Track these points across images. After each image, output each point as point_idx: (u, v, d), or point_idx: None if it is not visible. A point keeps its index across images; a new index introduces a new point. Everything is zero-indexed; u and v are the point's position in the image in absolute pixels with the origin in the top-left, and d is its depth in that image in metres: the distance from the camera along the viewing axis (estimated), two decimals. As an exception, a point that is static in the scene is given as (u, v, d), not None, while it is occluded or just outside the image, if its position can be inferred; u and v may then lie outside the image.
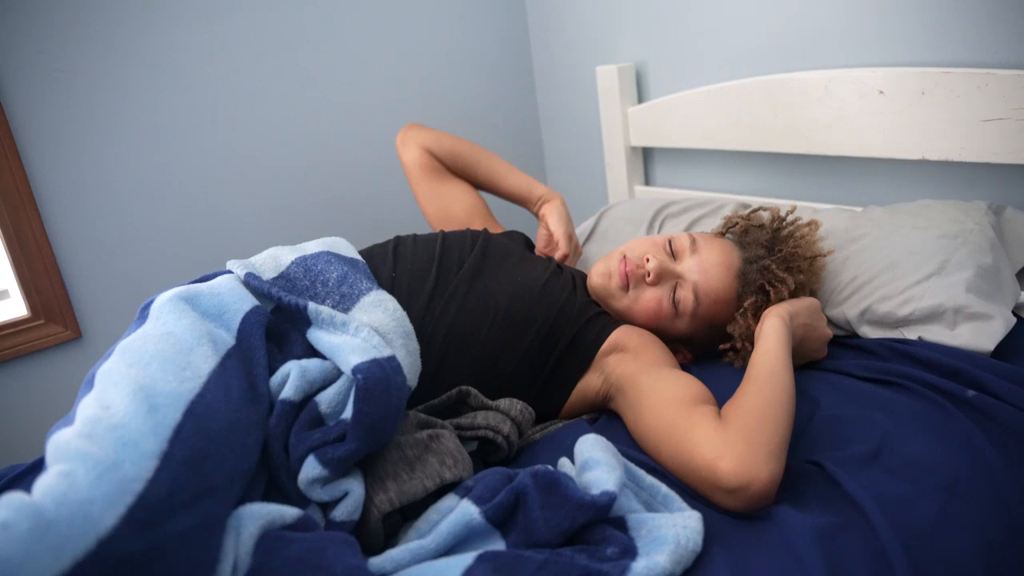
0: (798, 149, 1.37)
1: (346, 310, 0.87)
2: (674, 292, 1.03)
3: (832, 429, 0.84)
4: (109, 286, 1.52)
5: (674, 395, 0.84)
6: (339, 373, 0.78)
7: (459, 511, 0.69)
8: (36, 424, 1.44)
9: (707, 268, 1.02)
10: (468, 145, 1.36)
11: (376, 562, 0.64)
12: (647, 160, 1.79)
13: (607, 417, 0.98)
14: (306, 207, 1.75)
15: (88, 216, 1.47)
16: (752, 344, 0.96)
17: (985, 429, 0.78)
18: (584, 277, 1.12)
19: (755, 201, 1.44)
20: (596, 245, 1.45)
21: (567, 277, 1.08)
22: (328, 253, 0.94)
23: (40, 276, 1.43)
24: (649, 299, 1.03)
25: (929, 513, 0.68)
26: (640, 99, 1.73)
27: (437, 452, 0.77)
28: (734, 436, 0.74)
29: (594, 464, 0.73)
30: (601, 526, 0.68)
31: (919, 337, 0.99)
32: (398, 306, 0.89)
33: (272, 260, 0.93)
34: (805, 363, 1.01)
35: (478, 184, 1.37)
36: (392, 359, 0.78)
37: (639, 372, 0.92)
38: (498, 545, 0.67)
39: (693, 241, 1.06)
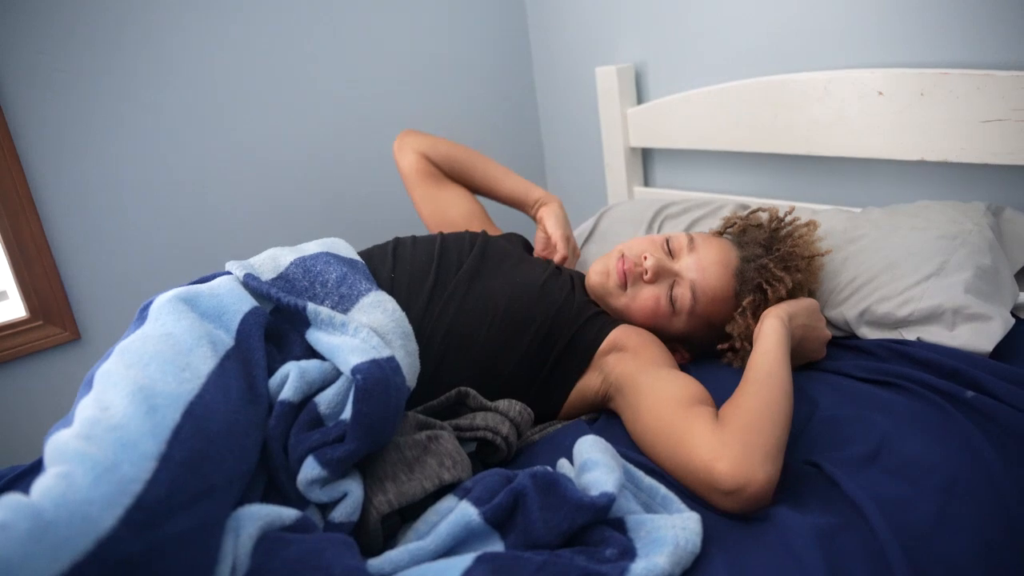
0: (797, 150, 1.37)
1: (345, 311, 0.87)
2: (671, 290, 1.03)
3: (831, 430, 0.84)
4: (108, 287, 1.52)
5: (672, 395, 0.84)
6: (338, 374, 0.78)
7: (458, 512, 0.69)
8: (35, 425, 1.43)
9: (704, 266, 1.02)
10: (464, 150, 1.36)
11: (375, 563, 0.64)
12: (646, 161, 1.79)
13: (606, 418, 0.98)
14: (305, 208, 1.75)
15: (87, 217, 1.47)
16: (751, 344, 0.96)
17: (984, 430, 0.78)
18: (583, 277, 1.12)
19: (754, 202, 1.44)
20: (595, 246, 1.45)
21: (565, 278, 1.08)
22: (327, 254, 0.94)
23: (39, 277, 1.43)
24: (647, 297, 1.04)
25: (928, 514, 0.68)
26: (639, 100, 1.73)
27: (436, 453, 0.77)
28: (731, 438, 0.74)
29: (593, 465, 0.73)
30: (600, 527, 0.68)
31: (918, 338, 0.99)
32: (397, 307, 0.89)
33: (271, 261, 0.93)
34: (804, 364, 1.01)
35: (475, 188, 1.37)
36: (391, 360, 0.78)
37: (638, 372, 0.92)
38: (497, 546, 0.67)
39: (691, 240, 1.06)
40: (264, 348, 0.78)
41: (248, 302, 0.81)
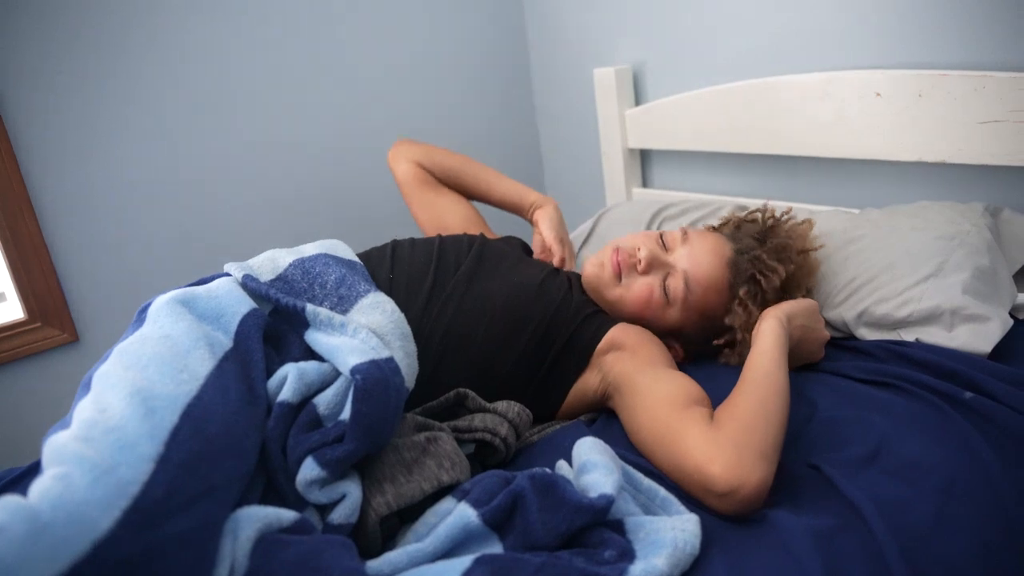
0: (796, 151, 1.37)
1: (344, 312, 0.87)
2: (665, 281, 1.04)
3: (830, 431, 0.84)
4: (106, 289, 1.52)
5: (668, 395, 0.85)
6: (337, 375, 0.78)
7: (457, 514, 0.69)
8: (33, 427, 1.43)
9: (697, 257, 1.03)
10: (458, 157, 1.38)
11: (374, 565, 0.64)
12: (645, 162, 1.79)
13: (605, 418, 0.98)
14: (303, 211, 1.75)
15: (85, 219, 1.47)
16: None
17: (982, 431, 0.78)
18: (580, 277, 1.13)
19: (753, 203, 1.44)
20: (594, 247, 1.45)
21: (563, 278, 1.08)
22: (326, 255, 0.94)
23: (37, 279, 1.43)
24: (641, 287, 1.04)
25: (926, 515, 0.68)
26: (638, 101, 1.73)
27: (435, 455, 0.77)
28: (725, 439, 0.74)
29: (592, 467, 0.72)
30: (599, 529, 0.68)
31: (916, 339, 0.99)
32: (396, 308, 0.89)
33: (270, 262, 0.93)
34: (803, 365, 1.01)
35: (470, 195, 1.38)
36: (390, 360, 0.78)
37: (635, 371, 0.92)
38: (496, 548, 0.67)
39: (684, 233, 1.07)
40: (263, 349, 0.78)
41: (247, 304, 0.81)
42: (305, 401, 0.76)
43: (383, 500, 0.71)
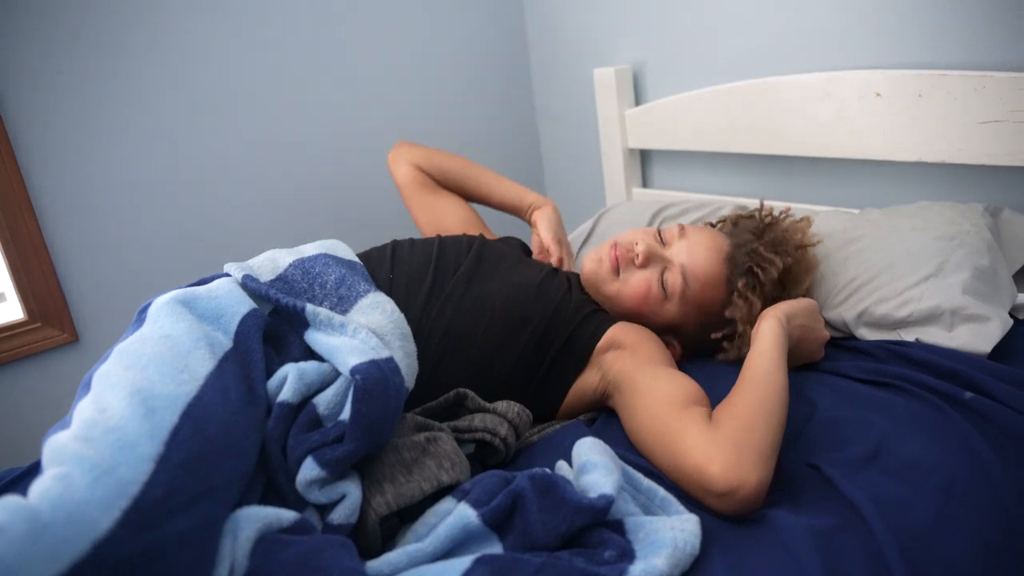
0: (796, 151, 1.37)
1: (344, 312, 0.87)
2: (663, 275, 1.04)
3: (829, 431, 0.84)
4: (106, 289, 1.52)
5: (667, 394, 0.85)
6: (336, 375, 0.78)
7: (456, 514, 0.69)
8: (33, 427, 1.43)
9: (695, 250, 1.04)
10: (458, 159, 1.38)
11: (373, 565, 0.64)
12: (645, 162, 1.79)
13: (605, 418, 0.98)
14: (303, 211, 1.75)
15: (85, 219, 1.47)
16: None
17: (982, 431, 0.78)
18: (579, 277, 1.13)
19: (753, 204, 1.44)
20: (594, 247, 1.44)
21: (562, 278, 1.09)
22: (326, 255, 0.95)
23: (37, 279, 1.43)
24: (638, 281, 1.04)
25: (926, 515, 0.68)
26: (638, 101, 1.73)
27: (434, 455, 0.77)
28: (724, 440, 0.74)
29: (592, 467, 0.72)
30: (599, 529, 0.68)
31: (916, 339, 0.99)
32: (396, 308, 0.89)
33: (270, 262, 0.93)
34: (803, 364, 1.01)
35: (470, 197, 1.39)
36: (390, 360, 0.78)
37: (635, 370, 0.92)
38: (495, 548, 0.67)
39: (681, 229, 1.08)
40: (263, 350, 0.78)
41: (246, 304, 0.81)
42: (305, 401, 0.76)
43: (383, 500, 0.71)
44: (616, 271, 1.06)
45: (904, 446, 0.77)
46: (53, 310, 1.46)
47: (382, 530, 0.72)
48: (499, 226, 1.46)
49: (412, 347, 0.87)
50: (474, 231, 1.32)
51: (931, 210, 1.13)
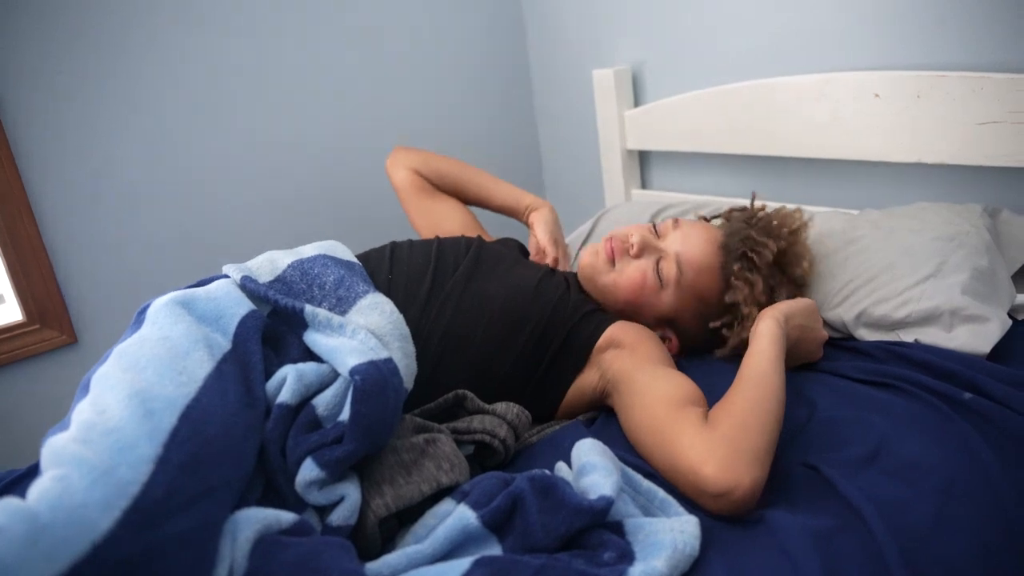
0: (794, 152, 1.37)
1: (343, 313, 0.87)
2: (658, 264, 1.05)
3: (829, 431, 0.84)
4: (105, 291, 1.51)
5: (665, 394, 0.85)
6: (335, 376, 0.78)
7: (456, 516, 0.69)
8: (32, 429, 1.42)
9: (689, 239, 1.06)
10: (455, 163, 1.39)
11: (373, 567, 0.64)
12: (644, 163, 1.79)
13: (604, 418, 0.98)
14: (303, 211, 1.75)
15: (84, 220, 1.47)
16: (760, 309, 0.99)
17: (982, 432, 0.78)
18: (576, 277, 1.14)
19: (752, 204, 1.44)
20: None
21: (560, 278, 1.09)
22: (325, 256, 0.94)
23: (36, 281, 1.43)
24: (634, 270, 1.06)
25: (926, 516, 0.68)
26: (636, 102, 1.73)
27: (433, 456, 0.77)
28: (719, 440, 0.74)
29: (591, 468, 0.72)
30: (598, 531, 0.68)
31: (915, 339, 0.99)
32: (395, 309, 0.89)
33: (268, 264, 0.92)
34: (801, 364, 1.01)
35: (468, 200, 1.39)
36: (389, 361, 0.78)
37: (634, 369, 0.92)
38: (495, 550, 0.67)
39: (675, 221, 1.10)
40: (261, 351, 0.78)
41: (245, 305, 0.81)
42: (304, 402, 0.76)
43: (382, 502, 0.71)
44: (612, 262, 1.07)
45: (903, 447, 0.77)
46: (52, 312, 1.45)
47: (381, 532, 0.72)
48: (496, 229, 1.46)
49: (411, 348, 0.87)
50: (472, 234, 1.32)
51: (930, 211, 1.13)
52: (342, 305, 0.88)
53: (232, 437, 0.65)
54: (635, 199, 1.76)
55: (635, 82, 1.72)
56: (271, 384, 0.75)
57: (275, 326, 0.84)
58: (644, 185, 1.81)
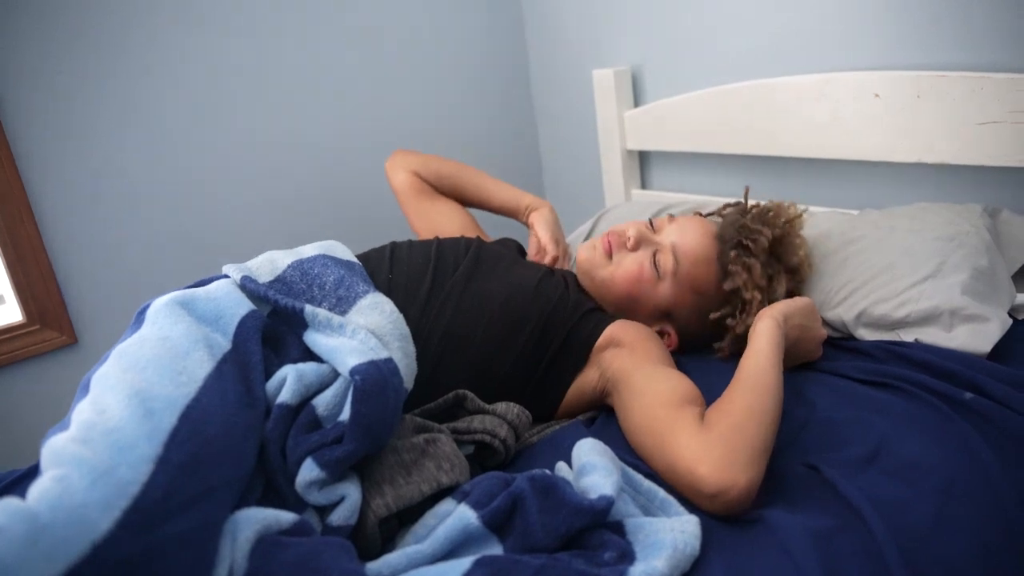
0: (794, 152, 1.37)
1: (343, 313, 0.87)
2: (655, 256, 1.06)
3: (828, 431, 0.84)
4: (105, 291, 1.51)
5: (663, 394, 0.85)
6: (335, 376, 0.78)
7: (456, 516, 0.69)
8: (32, 429, 1.42)
9: (685, 231, 1.08)
10: (454, 165, 1.39)
11: (373, 567, 0.64)
12: (643, 164, 1.79)
13: (604, 418, 0.98)
14: (303, 211, 1.75)
15: (84, 220, 1.47)
16: (761, 293, 1.01)
17: (982, 432, 0.78)
18: (576, 276, 1.14)
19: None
20: (593, 247, 1.45)
21: (559, 277, 1.10)
22: (325, 256, 0.95)
23: (36, 281, 1.43)
24: (631, 263, 1.07)
25: (926, 516, 0.68)
26: (636, 103, 1.73)
27: (434, 456, 0.77)
28: (715, 440, 0.74)
29: (591, 468, 0.72)
30: (599, 531, 0.68)
31: (916, 339, 0.99)
32: (395, 309, 0.89)
33: (268, 264, 0.92)
34: (801, 364, 1.01)
35: (467, 202, 1.40)
36: (389, 361, 0.78)
37: (633, 368, 0.92)
38: (495, 550, 0.67)
39: (671, 217, 1.12)
40: (261, 351, 0.78)
41: (245, 305, 0.81)
42: (304, 402, 0.76)
43: (382, 502, 0.71)
44: (609, 256, 1.08)
45: (903, 447, 0.77)
46: (52, 312, 1.45)
47: (381, 532, 0.72)
48: (496, 230, 1.46)
49: (411, 348, 0.87)
50: (471, 235, 1.33)
51: (930, 211, 1.13)
52: (342, 305, 0.88)
53: (232, 437, 0.65)
54: (635, 199, 1.76)
55: (635, 82, 1.72)
56: (271, 384, 0.75)
57: (275, 326, 0.83)
58: (644, 185, 1.81)
